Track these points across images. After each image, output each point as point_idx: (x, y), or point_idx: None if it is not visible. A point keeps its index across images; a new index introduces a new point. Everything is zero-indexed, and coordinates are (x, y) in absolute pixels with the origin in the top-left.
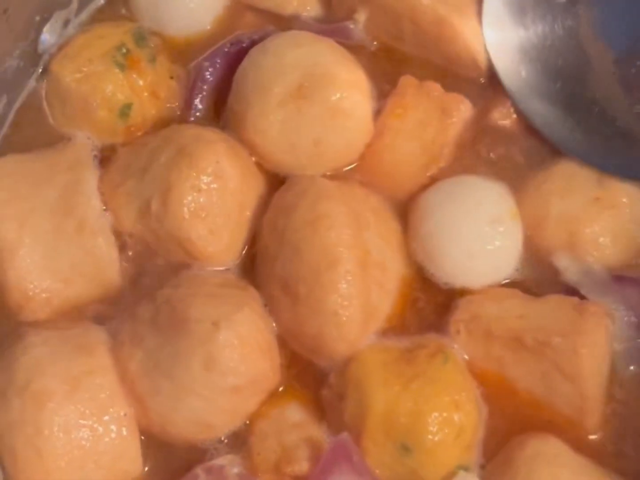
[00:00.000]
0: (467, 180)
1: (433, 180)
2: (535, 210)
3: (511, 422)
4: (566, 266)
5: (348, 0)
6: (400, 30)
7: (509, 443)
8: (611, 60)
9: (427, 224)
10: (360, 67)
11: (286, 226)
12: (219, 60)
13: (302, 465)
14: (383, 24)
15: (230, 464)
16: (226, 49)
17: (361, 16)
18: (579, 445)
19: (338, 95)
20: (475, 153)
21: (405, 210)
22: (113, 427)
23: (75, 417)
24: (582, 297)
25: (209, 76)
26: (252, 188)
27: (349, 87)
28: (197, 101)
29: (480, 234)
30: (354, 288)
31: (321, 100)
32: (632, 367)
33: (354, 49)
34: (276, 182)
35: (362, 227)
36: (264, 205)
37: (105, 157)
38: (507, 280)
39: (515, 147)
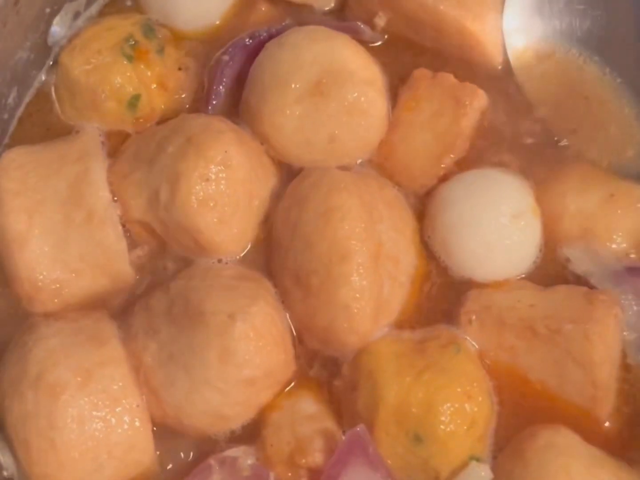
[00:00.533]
0: (489, 173)
1: (449, 173)
2: (551, 206)
3: (523, 413)
4: (578, 256)
5: (368, 3)
6: (420, 33)
7: (520, 434)
8: None
9: (448, 215)
10: (376, 62)
11: (298, 218)
12: (238, 54)
13: (316, 457)
14: (402, 27)
15: (243, 455)
16: (246, 42)
17: (381, 20)
18: (591, 436)
19: (355, 93)
20: (491, 146)
21: (421, 203)
22: (126, 418)
23: (88, 409)
24: (592, 288)
25: (229, 70)
26: (262, 178)
27: (366, 84)
28: (215, 95)
29: (501, 228)
30: (366, 281)
31: (338, 98)
32: None
33: (366, 41)
34: (290, 173)
35: (375, 219)
36: (276, 196)
37: (114, 149)
38: (522, 275)
39: (531, 140)
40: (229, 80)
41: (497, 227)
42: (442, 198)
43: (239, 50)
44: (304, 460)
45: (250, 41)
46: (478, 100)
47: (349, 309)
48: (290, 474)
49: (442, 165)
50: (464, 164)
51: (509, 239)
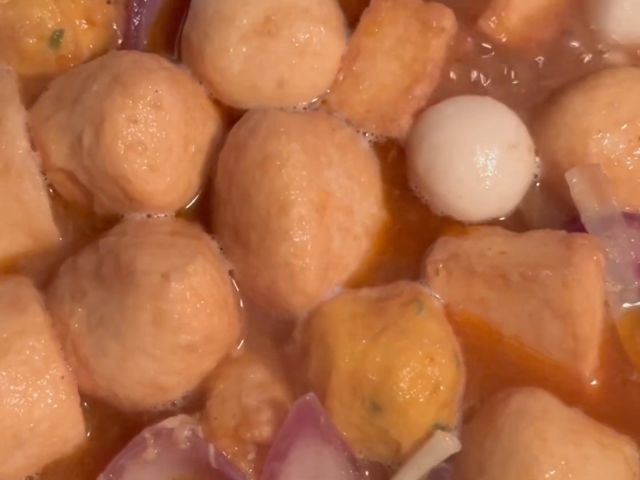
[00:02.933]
0: (481, 99)
1: (425, 105)
2: (546, 141)
3: (495, 376)
4: (576, 183)
5: None
6: None
7: (492, 398)
8: None
9: (436, 136)
10: None
11: (235, 167)
12: None
13: (264, 431)
14: None
15: (180, 426)
16: None
17: None
18: (574, 399)
19: (307, 34)
20: (464, 74)
21: (386, 144)
22: (49, 391)
23: (6, 383)
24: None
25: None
26: (199, 122)
27: (319, 23)
28: (133, 28)
29: (495, 157)
30: (309, 235)
31: (288, 38)
32: (627, 307)
33: None
34: (233, 118)
35: (322, 166)
36: (217, 143)
37: (35, 92)
38: (502, 218)
39: (515, 64)
40: (150, 11)
41: (492, 155)
42: (430, 119)
43: None
44: (249, 434)
45: None
46: (447, 21)
47: (290, 267)
48: (236, 448)
49: (413, 97)
50: (441, 96)
51: (504, 170)
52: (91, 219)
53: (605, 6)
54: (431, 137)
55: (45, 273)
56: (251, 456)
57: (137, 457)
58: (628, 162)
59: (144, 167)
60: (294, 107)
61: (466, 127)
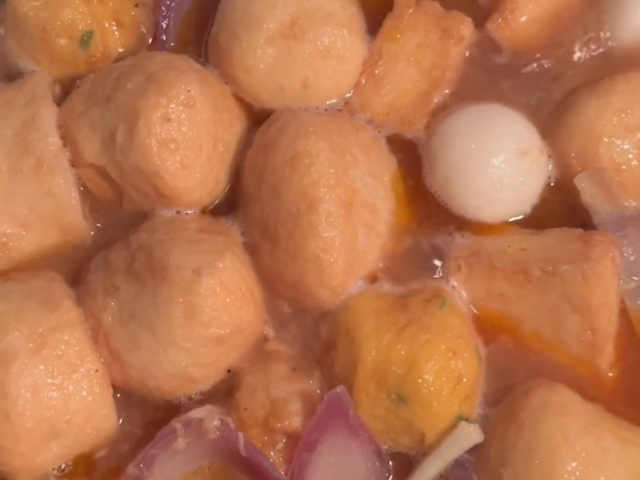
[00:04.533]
0: (490, 107)
1: (439, 110)
2: (559, 143)
3: (515, 370)
4: (585, 188)
5: None
6: None
7: (513, 392)
8: None
9: (449, 150)
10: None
11: (265, 165)
12: None
13: (293, 421)
14: None
15: (209, 415)
16: None
17: None
18: (592, 393)
19: (332, 37)
20: (477, 78)
21: (403, 145)
22: (84, 384)
23: (43, 377)
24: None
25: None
26: (227, 122)
27: (343, 26)
28: (161, 31)
29: (509, 165)
30: (337, 230)
31: (313, 41)
32: None
33: None
34: (260, 118)
35: (348, 164)
36: (244, 142)
37: (66, 91)
38: (520, 217)
39: (525, 67)
40: (177, 14)
41: (506, 164)
42: (442, 134)
43: None
44: (279, 425)
45: None
46: (466, 29)
47: (319, 261)
48: (266, 438)
49: (431, 102)
50: (456, 100)
51: (518, 177)
52: (120, 215)
53: (618, 10)
54: (445, 154)
55: (75, 268)
56: (280, 446)
57: (167, 447)
58: (637, 168)
59: (176, 164)
60: (317, 108)
61: (477, 140)
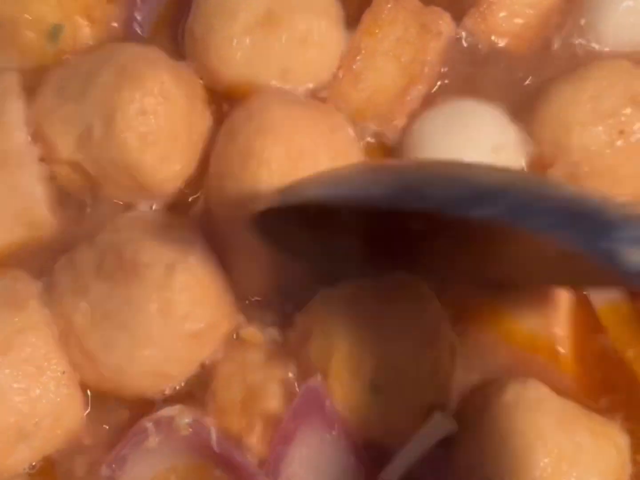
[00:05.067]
0: (464, 104)
1: (420, 107)
2: (534, 132)
3: (489, 363)
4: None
5: None
6: None
7: (487, 386)
8: None
9: (424, 152)
10: None
11: (224, 153)
12: None
13: (271, 403)
14: None
15: (179, 414)
16: None
17: None
18: (558, 386)
19: (308, 25)
20: (457, 73)
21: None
22: (51, 387)
23: (9, 381)
24: None
25: None
26: (200, 112)
27: (319, 14)
28: (135, 24)
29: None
30: None
31: (289, 29)
32: None
33: None
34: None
35: (305, 169)
36: (213, 132)
37: (34, 85)
38: None
39: (505, 61)
40: (150, 5)
41: (480, 161)
42: (415, 133)
43: None
44: (257, 407)
45: None
46: (445, 25)
47: None
48: (244, 424)
49: (409, 98)
50: (435, 97)
51: None
52: (91, 212)
53: (597, 7)
54: (416, 153)
55: (42, 265)
56: (258, 430)
57: (138, 446)
58: (609, 155)
59: (156, 157)
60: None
61: (451, 139)
